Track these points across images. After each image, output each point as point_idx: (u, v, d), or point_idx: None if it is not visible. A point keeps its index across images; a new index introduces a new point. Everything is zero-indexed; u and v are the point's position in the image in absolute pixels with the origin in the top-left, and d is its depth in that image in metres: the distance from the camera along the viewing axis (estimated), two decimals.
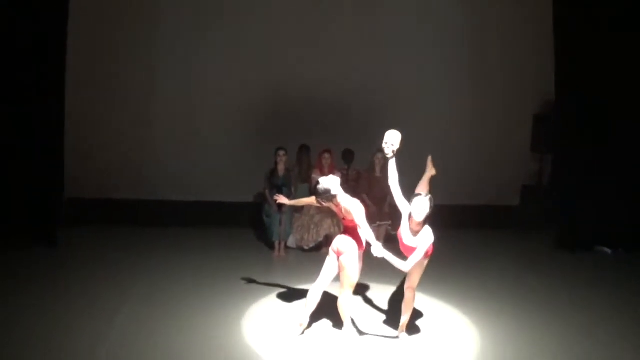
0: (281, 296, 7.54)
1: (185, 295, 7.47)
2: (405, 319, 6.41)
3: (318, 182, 6.26)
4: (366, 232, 6.01)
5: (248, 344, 6.26)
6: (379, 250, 5.86)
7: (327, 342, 6.34)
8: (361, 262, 6.30)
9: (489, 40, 11.46)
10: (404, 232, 6.14)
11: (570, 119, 9.80)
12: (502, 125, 11.54)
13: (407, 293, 6.31)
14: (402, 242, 6.19)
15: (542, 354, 6.21)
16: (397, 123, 11.12)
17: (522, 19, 11.33)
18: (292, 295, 7.54)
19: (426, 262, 6.20)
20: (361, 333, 6.48)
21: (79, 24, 9.75)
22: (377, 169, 9.69)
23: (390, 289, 7.44)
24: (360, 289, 7.41)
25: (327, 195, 6.16)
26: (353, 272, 6.18)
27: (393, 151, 6.36)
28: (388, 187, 6.41)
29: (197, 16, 11.02)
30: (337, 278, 6.29)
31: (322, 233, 9.49)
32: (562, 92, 9.88)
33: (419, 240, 6.01)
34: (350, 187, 10.03)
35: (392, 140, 6.37)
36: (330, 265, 6.31)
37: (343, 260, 6.16)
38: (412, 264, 5.95)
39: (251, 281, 7.97)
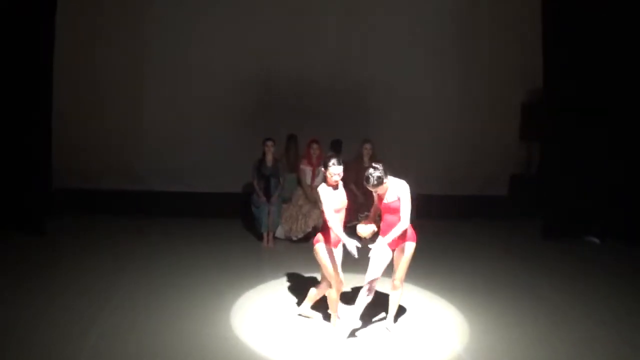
0: (270, 287, 7.53)
1: (173, 286, 7.44)
2: (393, 310, 6.43)
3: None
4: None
5: (236, 334, 6.25)
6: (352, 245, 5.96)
7: (316, 334, 6.34)
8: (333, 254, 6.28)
9: (477, 28, 11.44)
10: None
11: (558, 107, 9.79)
12: (490, 114, 11.53)
13: (396, 285, 6.32)
14: (383, 205, 6.19)
15: (530, 343, 6.23)
16: (385, 114, 11.28)
17: (510, 7, 11.31)
18: (280, 286, 7.53)
19: (413, 250, 6.21)
20: (350, 325, 6.46)
21: (66, 14, 9.69)
22: (366, 159, 9.67)
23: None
24: (349, 281, 7.44)
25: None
26: (326, 263, 6.20)
27: None
28: None
29: (186, 5, 10.96)
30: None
31: (311, 224, 9.47)
32: (550, 80, 9.88)
33: (398, 192, 6.07)
34: None
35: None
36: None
37: (314, 252, 6.26)
38: (407, 218, 6.03)
39: (240, 272, 7.96)
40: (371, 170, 6.06)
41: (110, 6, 10.77)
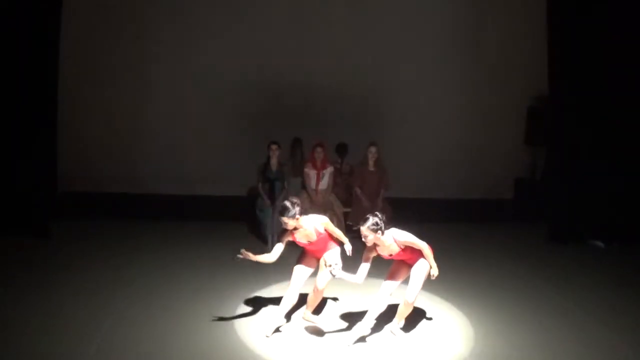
0: (274, 290, 7.52)
1: (177, 289, 7.45)
2: (401, 317, 6.40)
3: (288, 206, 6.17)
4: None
5: (240, 338, 6.25)
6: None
7: (320, 338, 6.34)
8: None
9: (483, 32, 11.45)
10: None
11: (564, 111, 9.79)
12: (495, 118, 11.53)
13: (408, 302, 6.28)
14: (390, 257, 6.24)
15: (536, 347, 6.21)
16: (391, 118, 11.28)
17: (516, 11, 11.32)
18: (285, 289, 7.48)
19: (428, 267, 6.21)
20: (359, 332, 6.42)
21: (72, 18, 9.73)
22: (371, 163, 9.66)
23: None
24: (354, 285, 7.44)
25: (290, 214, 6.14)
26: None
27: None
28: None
29: (190, 9, 10.98)
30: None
31: None
32: (555, 85, 9.87)
33: (401, 243, 6.08)
34: (343, 180, 10.04)
35: (334, 260, 6.32)
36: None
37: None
38: (433, 260, 6.15)
39: (244, 276, 7.94)
40: (371, 216, 6.00)
41: (114, 11, 10.81)
